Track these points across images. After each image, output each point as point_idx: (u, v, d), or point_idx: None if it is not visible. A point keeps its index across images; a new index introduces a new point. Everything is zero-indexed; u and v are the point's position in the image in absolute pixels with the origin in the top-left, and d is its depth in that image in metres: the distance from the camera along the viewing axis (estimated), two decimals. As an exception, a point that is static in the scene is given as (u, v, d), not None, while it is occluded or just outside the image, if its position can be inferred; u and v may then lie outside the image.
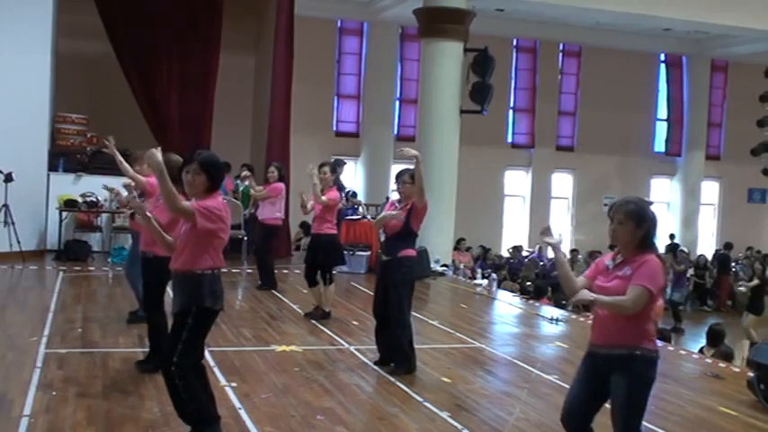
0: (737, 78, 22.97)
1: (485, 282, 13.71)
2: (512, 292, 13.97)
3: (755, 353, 6.96)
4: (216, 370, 6.61)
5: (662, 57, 22.90)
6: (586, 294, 4.11)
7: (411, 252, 7.05)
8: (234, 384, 6.24)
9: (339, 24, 19.58)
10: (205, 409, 4.75)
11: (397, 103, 20.09)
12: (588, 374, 4.27)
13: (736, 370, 8.15)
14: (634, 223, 4.14)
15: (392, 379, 6.73)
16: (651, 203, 4.36)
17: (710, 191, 23.68)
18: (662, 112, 23.13)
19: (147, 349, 6.70)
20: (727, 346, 10.48)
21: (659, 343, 9.30)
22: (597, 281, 4.27)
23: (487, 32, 17.23)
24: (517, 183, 21.71)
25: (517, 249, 19.38)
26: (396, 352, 7.01)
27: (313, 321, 8.97)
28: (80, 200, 13.44)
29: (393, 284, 7.00)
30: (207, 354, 7.00)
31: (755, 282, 15.77)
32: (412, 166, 6.91)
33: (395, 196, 7.47)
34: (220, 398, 5.81)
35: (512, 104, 21.43)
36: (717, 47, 21.60)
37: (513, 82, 21.35)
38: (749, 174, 21.61)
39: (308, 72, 17.03)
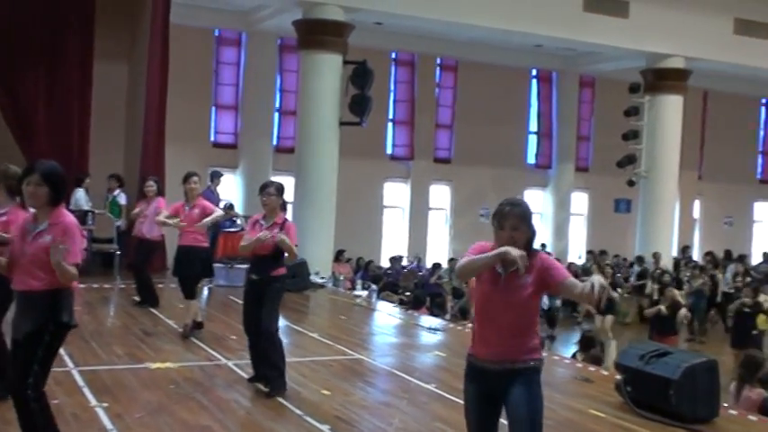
0: (604, 94, 24.00)
1: (364, 293, 13.76)
2: (391, 302, 14.07)
3: (622, 357, 7.26)
4: (85, 390, 6.34)
5: (534, 72, 23.71)
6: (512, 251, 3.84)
7: (283, 270, 6.90)
8: (105, 404, 6.00)
9: (217, 33, 19.26)
10: None
11: (277, 114, 19.92)
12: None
13: (605, 373, 8.47)
14: (526, 225, 3.97)
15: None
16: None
17: (580, 201, 24.60)
18: (534, 125, 23.91)
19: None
20: (597, 351, 10.91)
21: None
22: None
23: (366, 45, 17.37)
24: (396, 194, 21.92)
25: (396, 260, 19.57)
26: (271, 368, 6.78)
27: (192, 338, 8.74)
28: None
29: (269, 302, 6.76)
30: (75, 373, 6.78)
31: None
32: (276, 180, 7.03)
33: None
34: (91, 420, 5.59)
35: (391, 117, 21.64)
36: (584, 63, 22.52)
37: (391, 94, 21.54)
38: (615, 185, 22.55)
39: (184, 82, 16.63)
